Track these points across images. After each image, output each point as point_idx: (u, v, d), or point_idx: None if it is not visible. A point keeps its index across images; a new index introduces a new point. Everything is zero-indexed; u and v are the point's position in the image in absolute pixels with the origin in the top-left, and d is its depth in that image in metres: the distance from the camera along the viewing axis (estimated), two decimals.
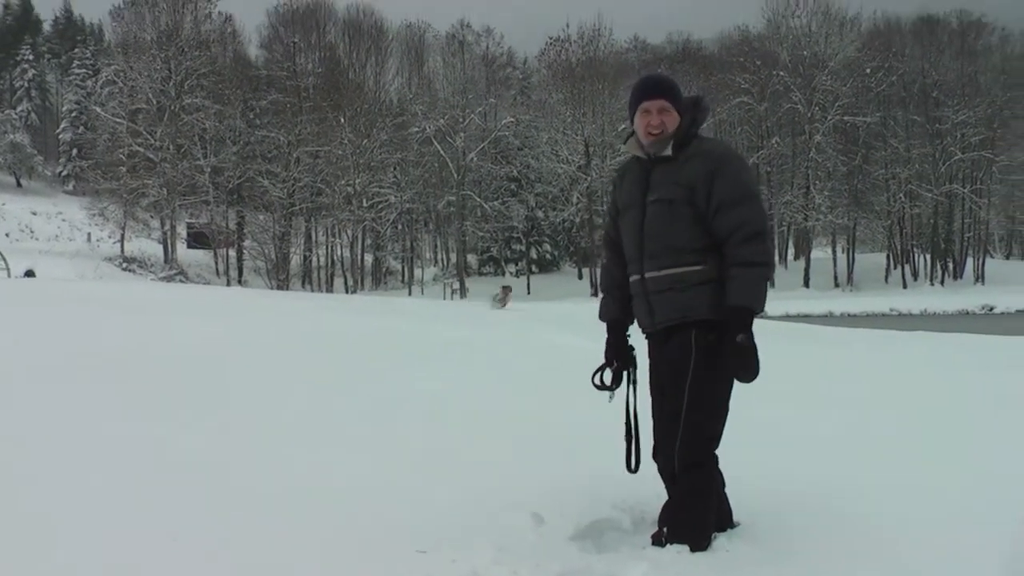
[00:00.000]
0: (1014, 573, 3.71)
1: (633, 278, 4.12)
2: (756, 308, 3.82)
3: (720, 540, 3.98)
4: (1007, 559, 3.88)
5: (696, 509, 3.92)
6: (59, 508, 4.01)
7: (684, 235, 3.92)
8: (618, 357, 4.28)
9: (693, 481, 3.92)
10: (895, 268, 62.32)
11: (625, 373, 4.26)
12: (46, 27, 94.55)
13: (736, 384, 4.00)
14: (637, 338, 4.26)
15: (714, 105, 50.02)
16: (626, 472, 4.23)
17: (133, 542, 3.71)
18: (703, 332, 3.89)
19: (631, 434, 4.25)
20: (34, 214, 63.72)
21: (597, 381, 4.28)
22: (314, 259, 62.07)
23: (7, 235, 58.21)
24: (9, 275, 34.59)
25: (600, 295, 4.45)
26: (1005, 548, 4.01)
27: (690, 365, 3.90)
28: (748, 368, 3.83)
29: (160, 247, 57.60)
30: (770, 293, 3.95)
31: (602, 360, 4.30)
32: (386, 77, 75.55)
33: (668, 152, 4.00)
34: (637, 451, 4.23)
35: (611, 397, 4.27)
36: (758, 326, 3.89)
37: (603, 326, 4.36)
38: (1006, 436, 6.53)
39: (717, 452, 4.03)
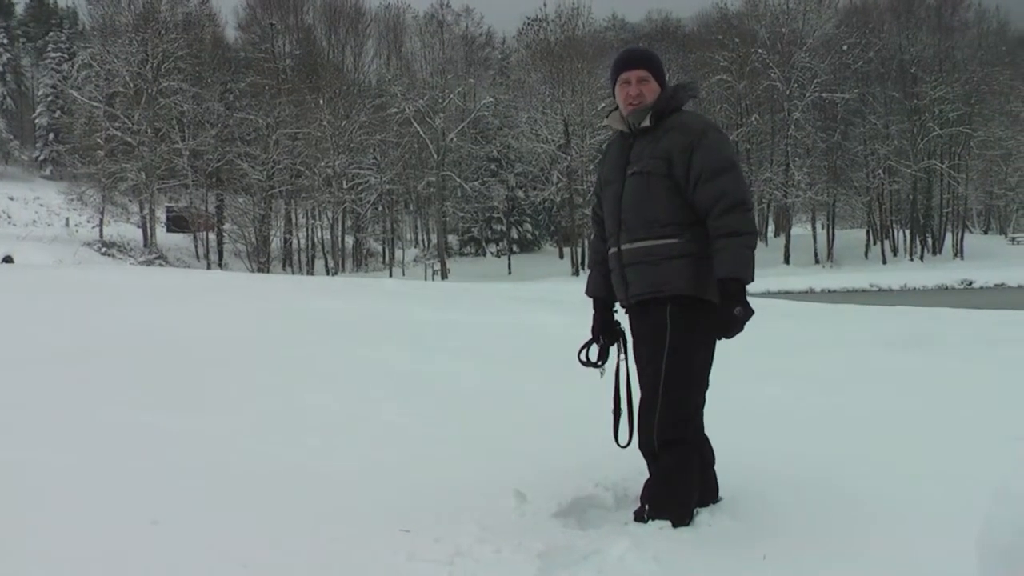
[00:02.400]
0: (987, 543, 3.72)
1: (611, 251, 4.10)
2: (745, 278, 3.75)
3: (703, 515, 3.98)
4: (981, 528, 3.91)
5: (677, 485, 3.91)
6: (35, 492, 3.99)
7: (661, 207, 3.89)
8: (604, 332, 4.26)
9: (674, 457, 3.90)
10: (875, 244, 62.58)
11: (614, 347, 4.25)
12: (19, 10, 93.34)
13: (721, 361, 3.98)
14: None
15: None
16: (616, 446, 4.20)
17: (111, 526, 3.69)
18: (679, 307, 3.87)
19: (619, 408, 4.22)
20: (11, 199, 62.97)
21: (583, 357, 4.26)
22: (294, 241, 61.86)
23: None
24: None
25: (582, 273, 4.43)
26: (981, 518, 4.03)
27: (666, 340, 3.87)
28: (734, 332, 3.79)
29: (139, 231, 57.00)
30: None
31: (588, 336, 4.29)
32: (365, 58, 75.21)
33: (647, 123, 3.98)
34: (629, 424, 4.16)
35: (602, 373, 4.24)
36: None
37: (589, 302, 4.34)
38: (995, 414, 6.55)
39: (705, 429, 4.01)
